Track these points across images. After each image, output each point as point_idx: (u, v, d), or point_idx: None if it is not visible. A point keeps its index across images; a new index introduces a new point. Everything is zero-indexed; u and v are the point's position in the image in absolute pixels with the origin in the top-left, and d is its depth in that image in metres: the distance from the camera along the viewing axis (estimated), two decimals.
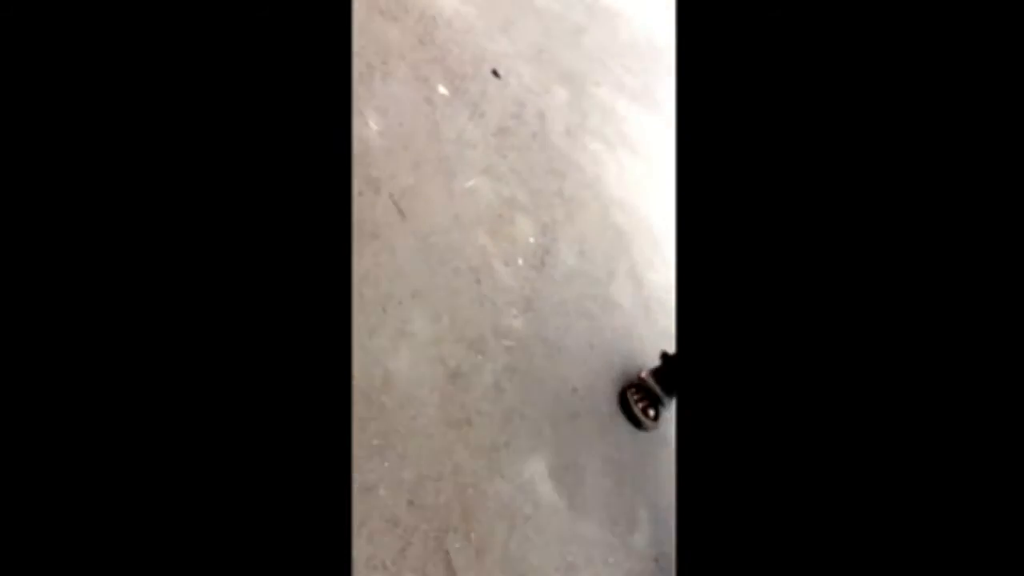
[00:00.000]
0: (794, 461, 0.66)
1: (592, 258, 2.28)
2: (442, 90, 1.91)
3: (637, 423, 1.93)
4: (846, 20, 0.66)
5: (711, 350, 0.70)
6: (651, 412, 1.94)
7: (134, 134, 0.62)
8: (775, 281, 0.67)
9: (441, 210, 1.79)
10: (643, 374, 1.99)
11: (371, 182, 1.60)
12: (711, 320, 0.70)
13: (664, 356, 1.99)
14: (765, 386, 0.67)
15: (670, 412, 1.98)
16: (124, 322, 0.61)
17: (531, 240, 2.10)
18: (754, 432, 0.67)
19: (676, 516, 0.79)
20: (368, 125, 1.64)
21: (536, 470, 1.63)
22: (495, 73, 2.14)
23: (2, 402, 0.59)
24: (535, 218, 2.14)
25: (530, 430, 1.72)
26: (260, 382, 0.63)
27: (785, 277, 0.67)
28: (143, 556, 0.61)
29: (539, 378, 1.85)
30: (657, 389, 1.94)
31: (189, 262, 0.62)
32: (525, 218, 2.10)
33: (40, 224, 0.60)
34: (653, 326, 2.30)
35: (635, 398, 1.95)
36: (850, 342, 0.65)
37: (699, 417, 0.70)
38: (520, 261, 2.03)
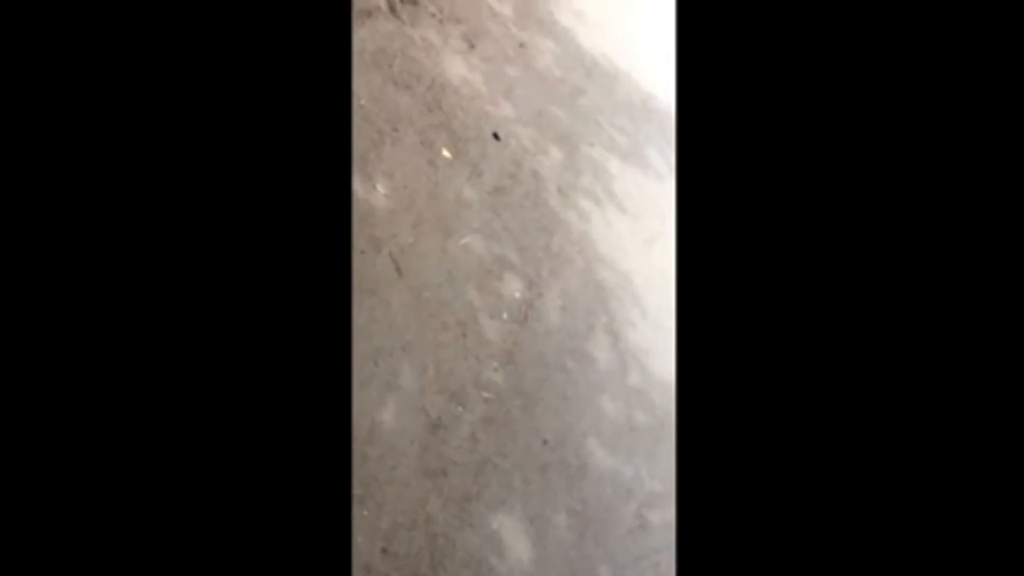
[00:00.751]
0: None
1: (573, 313, 2.41)
2: (445, 153, 2.03)
3: None
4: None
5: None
6: None
7: (146, 176, 0.64)
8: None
9: (435, 266, 1.91)
10: None
11: (373, 241, 1.72)
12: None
13: None
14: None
15: None
16: (135, 342, 0.63)
17: (516, 295, 2.22)
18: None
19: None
20: (375, 189, 1.76)
21: (504, 522, 1.73)
22: (495, 136, 2.28)
23: (2, 402, 0.60)
24: (522, 274, 2.27)
25: (501, 481, 1.83)
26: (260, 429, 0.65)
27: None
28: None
29: (513, 429, 1.96)
30: None
31: (193, 300, 0.64)
32: (512, 274, 2.23)
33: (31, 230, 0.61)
34: (624, 380, 2.43)
35: None
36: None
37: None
38: (505, 315, 2.15)
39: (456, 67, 2.23)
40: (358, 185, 1.71)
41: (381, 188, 1.78)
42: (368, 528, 1.46)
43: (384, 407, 1.63)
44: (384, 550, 1.45)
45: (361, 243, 1.68)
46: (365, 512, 1.47)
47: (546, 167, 2.49)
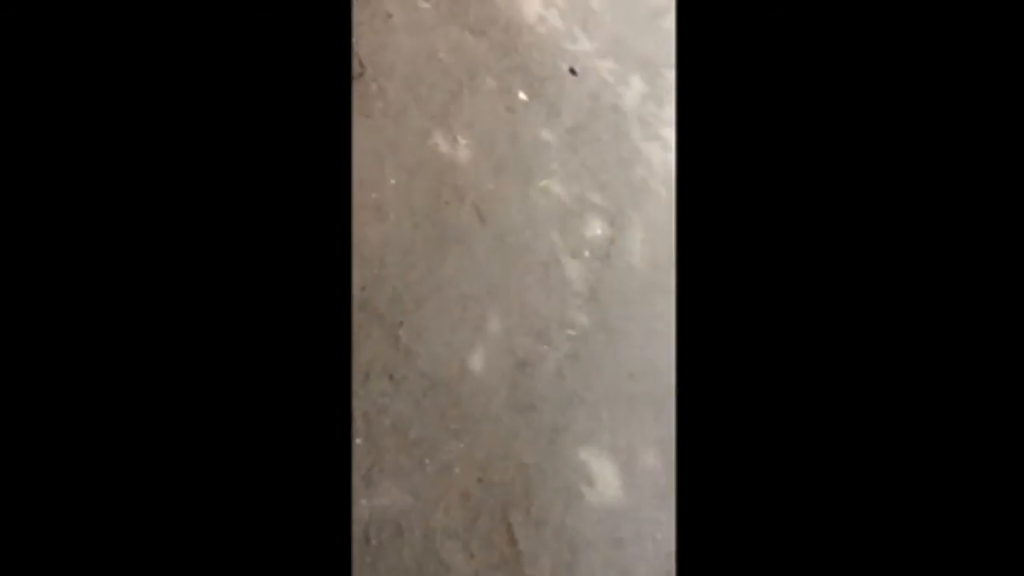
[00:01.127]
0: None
1: (656, 247, 2.40)
2: (522, 96, 2.03)
3: None
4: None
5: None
6: None
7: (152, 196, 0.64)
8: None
9: (516, 211, 1.95)
10: None
11: (456, 191, 1.78)
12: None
13: None
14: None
15: None
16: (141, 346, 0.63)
17: (598, 232, 2.24)
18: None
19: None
20: (457, 141, 1.81)
21: (591, 452, 1.84)
22: (572, 71, 2.24)
23: (2, 402, 0.60)
24: (603, 210, 2.27)
25: (588, 414, 1.92)
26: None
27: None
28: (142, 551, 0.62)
29: (598, 365, 2.04)
30: None
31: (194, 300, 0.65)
32: (593, 211, 2.24)
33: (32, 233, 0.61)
34: None
35: None
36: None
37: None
38: (587, 253, 2.19)
39: (531, 5, 2.19)
40: (440, 139, 1.76)
41: (462, 140, 1.83)
42: (464, 460, 1.60)
43: (473, 351, 1.74)
44: (480, 479, 1.60)
45: (446, 194, 1.75)
46: (461, 445, 1.61)
47: (626, 99, 2.43)
